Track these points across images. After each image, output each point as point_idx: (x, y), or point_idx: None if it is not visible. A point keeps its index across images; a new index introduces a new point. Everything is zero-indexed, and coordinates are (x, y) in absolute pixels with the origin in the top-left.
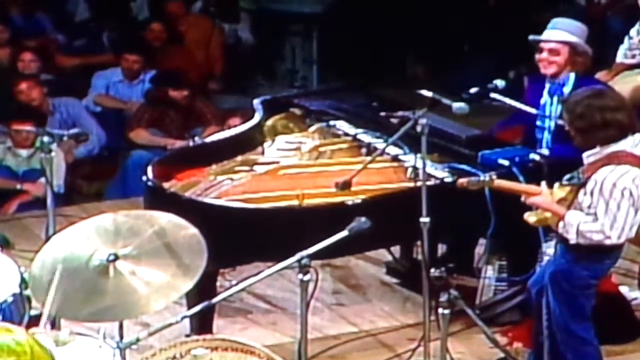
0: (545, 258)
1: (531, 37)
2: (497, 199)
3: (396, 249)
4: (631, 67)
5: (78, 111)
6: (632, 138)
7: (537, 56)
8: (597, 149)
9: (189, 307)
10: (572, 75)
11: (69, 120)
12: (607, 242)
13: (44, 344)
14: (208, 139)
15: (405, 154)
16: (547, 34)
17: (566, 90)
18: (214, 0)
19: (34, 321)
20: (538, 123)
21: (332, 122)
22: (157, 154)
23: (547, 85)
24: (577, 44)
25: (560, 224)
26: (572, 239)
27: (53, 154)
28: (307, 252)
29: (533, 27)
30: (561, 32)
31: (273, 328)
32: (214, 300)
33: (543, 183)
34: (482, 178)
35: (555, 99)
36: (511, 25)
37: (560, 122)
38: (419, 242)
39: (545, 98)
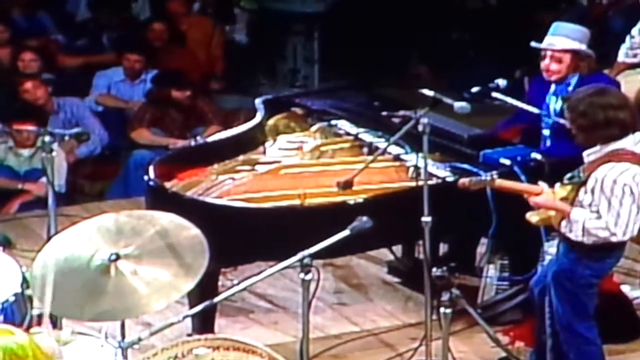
0: (547, 257)
1: (533, 44)
2: (499, 198)
3: (398, 249)
4: (633, 66)
5: (82, 111)
6: (632, 136)
7: (541, 64)
8: (598, 147)
9: (191, 306)
10: (577, 75)
11: (72, 120)
12: (613, 238)
13: (47, 344)
14: (209, 139)
15: (406, 153)
16: (549, 41)
17: (571, 89)
18: (212, 1)
19: (36, 321)
20: (544, 122)
21: (333, 122)
22: (158, 153)
23: (553, 87)
24: (580, 50)
25: (563, 223)
26: (578, 236)
27: (54, 153)
28: (309, 252)
29: (535, 27)
30: (563, 39)
31: (275, 327)
32: (216, 299)
33: (541, 182)
34: (483, 178)
35: (559, 97)
36: (513, 25)
37: (561, 120)
38: (420, 242)
39: (551, 98)
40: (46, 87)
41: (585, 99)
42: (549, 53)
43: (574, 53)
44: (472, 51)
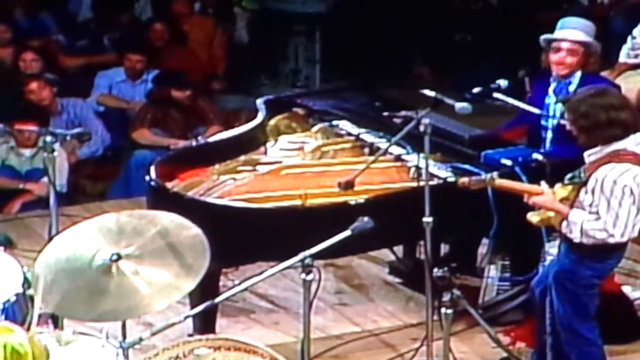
0: (548, 258)
1: (545, 35)
2: (500, 198)
3: (399, 249)
4: (634, 67)
5: (86, 112)
6: (633, 137)
7: (553, 57)
8: (599, 147)
9: (192, 306)
10: (578, 74)
11: (76, 121)
12: (611, 240)
13: (45, 344)
14: (211, 139)
15: (408, 153)
16: (562, 34)
17: (572, 88)
18: (213, 0)
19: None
20: (543, 122)
21: (335, 122)
22: (160, 153)
23: (553, 85)
24: (592, 44)
25: (564, 224)
26: (576, 237)
27: (56, 153)
28: (310, 252)
29: (537, 27)
30: (577, 32)
31: (276, 328)
32: (217, 299)
33: (543, 182)
34: (483, 177)
35: (558, 97)
36: (515, 25)
37: (562, 121)
38: (422, 242)
39: (550, 97)
40: (51, 88)
41: (586, 100)
42: (564, 46)
43: (586, 47)
44: (474, 52)
